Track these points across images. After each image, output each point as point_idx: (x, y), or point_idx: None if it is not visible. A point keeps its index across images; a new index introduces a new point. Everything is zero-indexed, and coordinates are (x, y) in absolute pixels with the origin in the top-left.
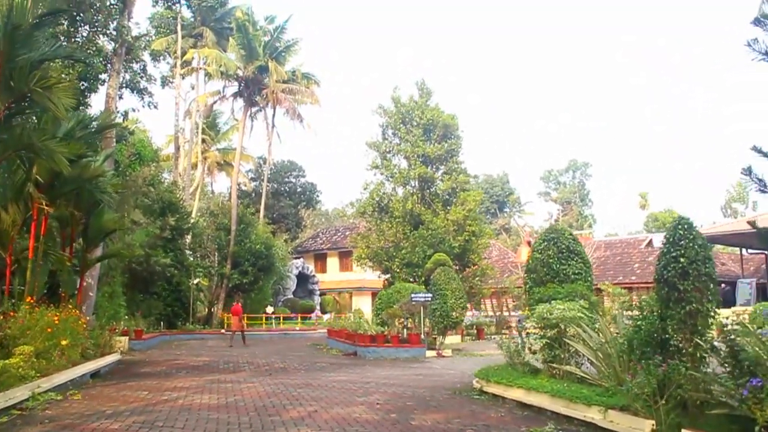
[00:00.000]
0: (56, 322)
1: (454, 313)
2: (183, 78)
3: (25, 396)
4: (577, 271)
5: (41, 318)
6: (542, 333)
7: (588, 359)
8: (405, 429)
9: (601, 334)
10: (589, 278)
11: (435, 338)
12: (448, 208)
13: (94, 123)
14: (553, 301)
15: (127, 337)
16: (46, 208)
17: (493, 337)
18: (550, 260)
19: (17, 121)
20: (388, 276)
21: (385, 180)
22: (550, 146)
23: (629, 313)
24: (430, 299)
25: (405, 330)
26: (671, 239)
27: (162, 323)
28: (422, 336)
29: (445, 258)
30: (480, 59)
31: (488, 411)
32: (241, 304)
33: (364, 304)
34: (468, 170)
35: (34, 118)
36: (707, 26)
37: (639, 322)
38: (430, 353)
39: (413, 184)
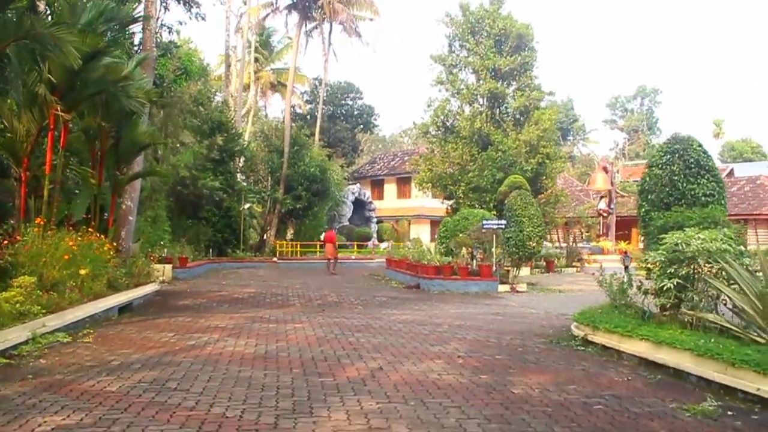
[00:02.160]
0: (74, 248)
1: (531, 243)
2: None
3: (22, 338)
4: (708, 192)
5: (57, 243)
6: (671, 269)
7: (733, 306)
8: (506, 401)
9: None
10: (723, 201)
11: (507, 270)
12: (519, 128)
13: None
14: (686, 229)
15: (170, 265)
16: (63, 115)
17: (563, 270)
18: (675, 178)
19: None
20: (451, 202)
21: (450, 97)
22: (617, 71)
23: None
24: (503, 226)
25: (474, 260)
26: None
27: (211, 250)
28: (494, 268)
29: (522, 180)
30: None
31: (606, 371)
32: (295, 231)
33: (422, 233)
34: (542, 87)
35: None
36: None
37: None
38: (502, 288)
39: (482, 102)
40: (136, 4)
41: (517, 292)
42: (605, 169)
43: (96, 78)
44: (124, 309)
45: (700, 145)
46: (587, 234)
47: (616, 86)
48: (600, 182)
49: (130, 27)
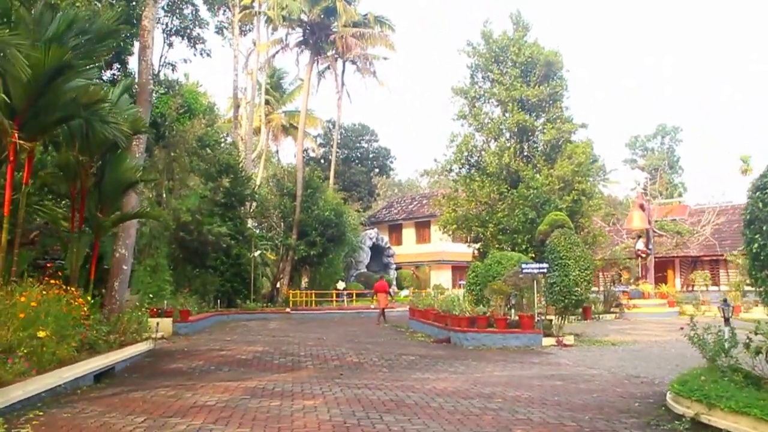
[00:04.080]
0: (33, 304)
1: (578, 289)
2: (243, 35)
3: None
4: None
5: (11, 299)
6: None
7: None
8: None
9: None
10: None
11: (550, 321)
12: (551, 163)
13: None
14: None
15: (171, 319)
16: (25, 144)
17: (600, 317)
18: None
19: None
20: (479, 245)
21: (474, 131)
22: (635, 110)
23: None
24: (545, 270)
25: (512, 310)
26: None
27: (219, 301)
28: (536, 318)
29: (564, 218)
30: (557, 9)
31: None
32: (310, 279)
33: (443, 279)
34: (573, 119)
35: None
36: None
37: None
38: (547, 341)
39: (508, 136)
40: (131, 37)
41: (565, 345)
42: (642, 207)
43: (66, 101)
44: (103, 375)
45: None
46: (626, 277)
47: (635, 125)
48: (637, 221)
49: (128, 60)
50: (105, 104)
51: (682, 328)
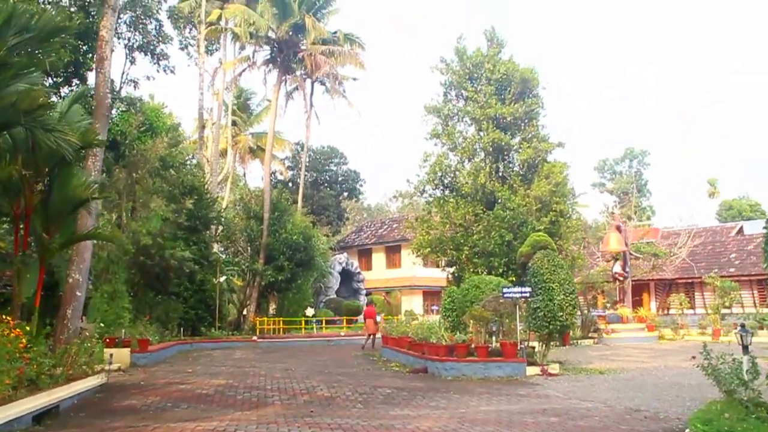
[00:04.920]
0: None
1: (562, 314)
2: (209, 53)
3: None
4: None
5: None
6: None
7: None
8: None
9: None
10: None
11: (533, 348)
12: (527, 183)
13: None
14: None
15: (128, 349)
16: None
17: (579, 342)
18: None
19: None
20: (453, 269)
21: (448, 151)
22: (604, 134)
23: None
24: (528, 295)
25: (492, 337)
26: None
27: (183, 329)
28: (519, 346)
29: (547, 239)
30: (525, 32)
31: None
32: (277, 306)
33: (414, 304)
34: (550, 138)
35: None
36: None
37: None
38: (531, 370)
39: (483, 155)
40: (91, 51)
41: (550, 375)
42: (618, 229)
43: (3, 106)
44: (45, 415)
45: None
46: (602, 301)
47: (604, 149)
48: (614, 243)
49: (87, 75)
50: (50, 112)
51: (694, 357)
